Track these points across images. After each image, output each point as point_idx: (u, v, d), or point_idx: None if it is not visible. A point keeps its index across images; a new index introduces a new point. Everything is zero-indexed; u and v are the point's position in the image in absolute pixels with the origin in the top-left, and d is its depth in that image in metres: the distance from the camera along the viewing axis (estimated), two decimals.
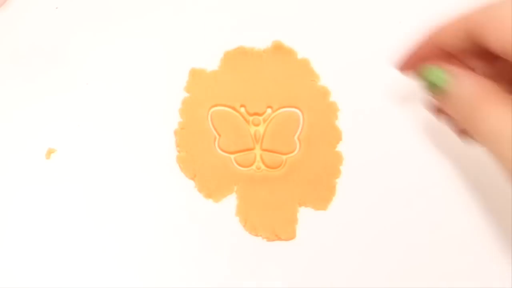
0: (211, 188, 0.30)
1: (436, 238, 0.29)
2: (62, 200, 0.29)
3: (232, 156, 0.30)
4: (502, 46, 0.21)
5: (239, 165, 0.30)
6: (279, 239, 0.29)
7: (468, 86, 0.23)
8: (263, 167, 0.30)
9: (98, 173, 0.30)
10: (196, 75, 0.31)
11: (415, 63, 0.25)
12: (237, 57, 0.30)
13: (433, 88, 0.24)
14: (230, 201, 0.30)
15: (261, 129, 0.31)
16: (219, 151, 0.30)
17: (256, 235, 0.29)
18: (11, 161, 0.30)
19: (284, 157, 0.30)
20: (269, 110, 0.31)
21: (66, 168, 0.30)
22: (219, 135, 0.30)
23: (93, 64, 0.32)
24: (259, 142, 0.31)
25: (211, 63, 0.31)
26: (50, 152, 0.30)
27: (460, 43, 0.23)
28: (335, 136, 0.31)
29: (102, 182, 0.30)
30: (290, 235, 0.29)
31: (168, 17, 0.33)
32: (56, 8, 0.33)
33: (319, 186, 0.30)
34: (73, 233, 0.29)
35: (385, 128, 0.31)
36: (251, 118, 0.31)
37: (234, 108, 0.31)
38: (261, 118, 0.31)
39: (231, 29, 0.31)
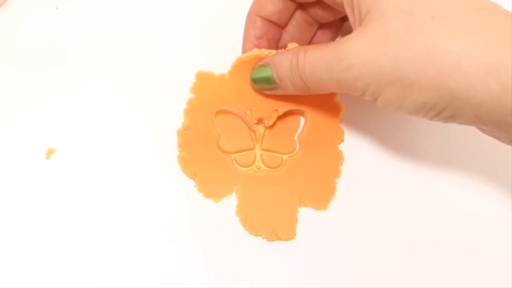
0: (211, 188, 0.30)
1: (436, 238, 0.29)
2: (62, 200, 0.29)
3: (232, 156, 0.30)
4: None
5: (239, 165, 0.30)
6: (279, 239, 0.29)
7: (282, 62, 0.26)
8: (263, 167, 0.30)
9: (98, 173, 0.30)
10: (203, 78, 0.30)
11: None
12: (249, 63, 0.28)
13: (267, 81, 0.27)
14: (230, 201, 0.30)
15: (261, 129, 0.30)
16: (220, 152, 0.30)
17: (256, 235, 0.29)
18: (11, 161, 0.30)
19: (284, 157, 0.30)
20: (274, 114, 0.30)
21: (66, 168, 0.30)
22: (220, 135, 0.30)
23: (93, 64, 0.32)
24: (259, 142, 0.31)
25: (218, 64, 0.30)
26: (50, 152, 0.30)
27: (276, 3, 0.27)
28: (337, 136, 0.31)
29: (102, 182, 0.30)
30: (290, 235, 0.29)
31: (170, 17, 0.33)
32: (56, 8, 0.33)
33: (319, 186, 0.30)
34: (74, 232, 0.29)
35: (386, 127, 0.31)
36: (255, 128, 0.30)
37: (238, 115, 0.30)
38: (265, 121, 0.30)
39: (240, 32, 0.30)
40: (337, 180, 0.30)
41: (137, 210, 0.29)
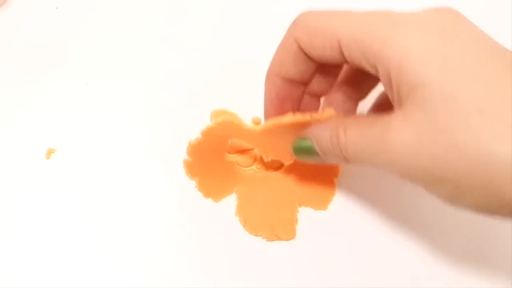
0: (211, 188, 0.30)
1: (436, 238, 0.29)
2: (62, 200, 0.29)
3: (232, 156, 0.30)
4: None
5: (239, 165, 0.30)
6: (279, 239, 0.29)
7: (322, 137, 0.24)
8: (263, 167, 0.30)
9: (98, 173, 0.30)
10: (230, 125, 0.27)
11: (278, 109, 0.26)
12: (282, 127, 0.25)
13: (310, 153, 0.25)
14: (230, 201, 0.30)
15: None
16: (225, 155, 0.30)
17: (256, 235, 0.29)
18: (11, 161, 0.30)
19: None
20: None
21: (66, 168, 0.30)
22: (229, 146, 0.30)
23: (93, 64, 0.32)
24: None
25: (220, 64, 0.29)
26: (50, 152, 0.30)
27: (298, 64, 0.25)
28: None
29: (102, 182, 0.30)
30: (290, 235, 0.29)
31: (171, 15, 0.33)
32: (56, 8, 0.33)
33: (319, 186, 0.30)
34: (73, 232, 0.29)
35: None
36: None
37: (254, 156, 0.30)
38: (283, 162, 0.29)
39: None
40: (337, 180, 0.30)
41: (137, 210, 0.29)
